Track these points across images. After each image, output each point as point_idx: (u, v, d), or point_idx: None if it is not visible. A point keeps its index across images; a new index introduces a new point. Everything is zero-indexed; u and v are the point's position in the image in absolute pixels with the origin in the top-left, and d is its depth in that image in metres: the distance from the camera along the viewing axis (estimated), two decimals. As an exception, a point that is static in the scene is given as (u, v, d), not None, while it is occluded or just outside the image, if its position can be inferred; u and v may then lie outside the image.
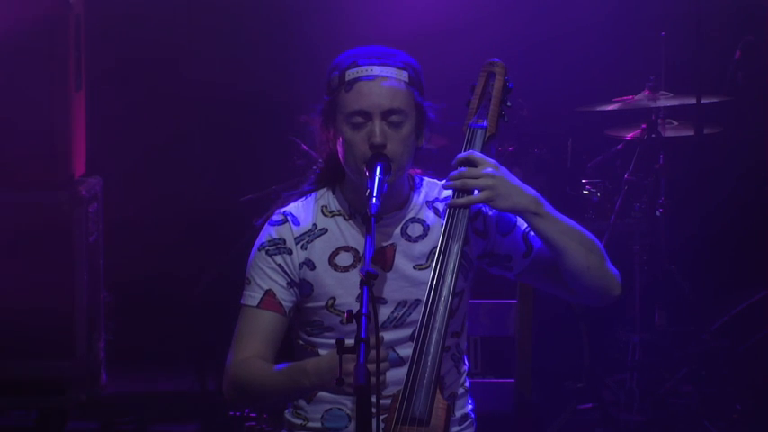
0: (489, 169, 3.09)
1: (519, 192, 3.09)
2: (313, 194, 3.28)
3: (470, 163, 3.11)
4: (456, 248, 3.10)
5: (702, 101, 5.83)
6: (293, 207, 3.26)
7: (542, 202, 3.12)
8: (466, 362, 3.33)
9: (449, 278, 3.08)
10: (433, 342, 3.04)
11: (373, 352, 2.85)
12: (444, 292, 3.07)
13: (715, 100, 6.06)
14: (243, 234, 5.18)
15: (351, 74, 3.14)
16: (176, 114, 6.83)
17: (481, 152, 3.15)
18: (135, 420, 5.96)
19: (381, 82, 3.12)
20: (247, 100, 6.94)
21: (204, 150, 6.84)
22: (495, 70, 3.23)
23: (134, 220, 6.71)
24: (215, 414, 5.82)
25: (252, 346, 3.18)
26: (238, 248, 5.14)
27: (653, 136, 6.03)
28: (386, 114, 3.11)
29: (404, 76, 3.14)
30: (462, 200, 3.11)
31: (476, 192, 3.11)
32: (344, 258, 3.20)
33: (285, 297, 3.21)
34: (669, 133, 6.14)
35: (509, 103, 3.23)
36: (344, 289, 3.18)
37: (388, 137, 3.10)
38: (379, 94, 3.11)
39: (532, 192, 3.12)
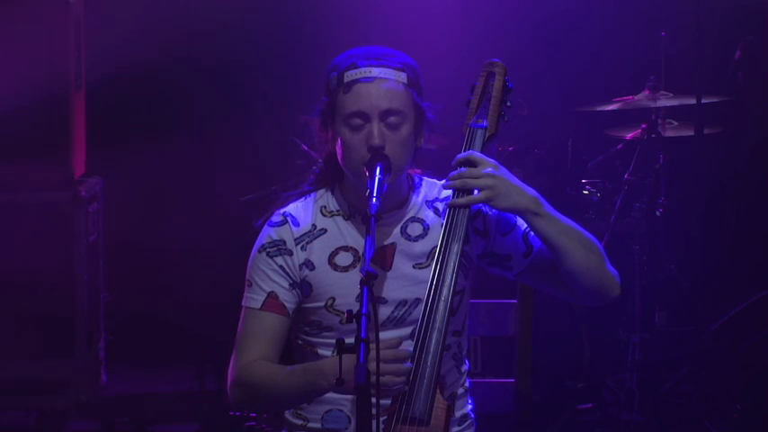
0: (489, 169, 3.09)
1: (519, 191, 3.09)
2: (312, 195, 3.27)
3: (470, 163, 3.11)
4: (456, 248, 3.10)
5: (702, 101, 5.83)
6: (292, 208, 3.26)
7: (542, 202, 3.12)
8: (466, 362, 3.33)
9: (449, 278, 3.08)
10: (434, 341, 3.04)
11: (383, 352, 2.91)
12: (444, 292, 3.08)
13: (715, 100, 6.05)
14: (243, 234, 5.17)
15: (349, 75, 3.13)
16: (176, 114, 6.83)
17: (481, 152, 3.15)
18: (135, 420, 5.96)
19: (380, 83, 3.11)
20: (247, 100, 6.94)
21: (204, 150, 6.83)
22: (494, 70, 3.23)
23: (134, 219, 6.71)
24: (215, 414, 5.82)
25: (257, 349, 3.17)
26: (238, 248, 5.13)
27: (653, 136, 6.03)
28: (384, 115, 3.10)
29: (402, 77, 3.14)
30: (462, 199, 3.11)
31: (476, 191, 3.11)
32: (344, 258, 3.20)
33: (288, 299, 3.20)
34: (669, 133, 6.13)
35: (509, 103, 3.23)
36: (344, 289, 3.17)
37: (386, 138, 3.10)
38: (378, 96, 3.10)
39: (532, 192, 3.12)
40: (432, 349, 3.03)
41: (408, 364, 3.01)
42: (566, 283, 3.17)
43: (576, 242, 3.12)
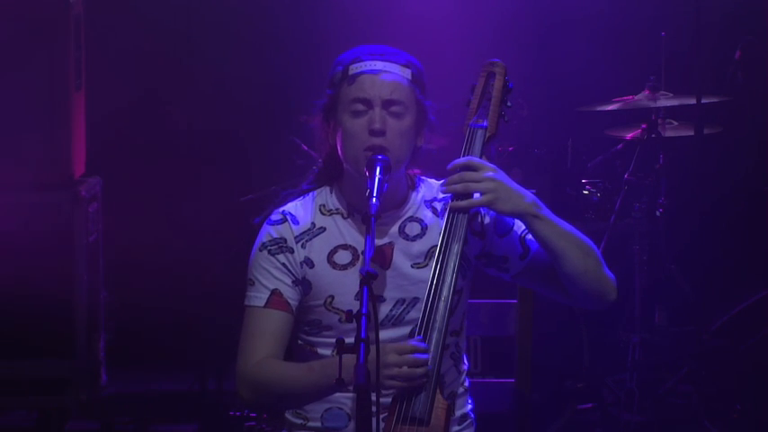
0: (490, 173, 3.11)
1: (519, 195, 3.11)
2: (311, 193, 3.29)
3: (470, 167, 3.13)
4: (456, 248, 3.12)
5: (702, 101, 5.83)
6: (291, 206, 3.27)
7: (540, 205, 3.14)
8: (465, 361, 3.34)
9: (449, 278, 3.10)
10: (434, 341, 3.06)
11: (402, 345, 2.97)
12: (444, 292, 3.09)
13: (715, 100, 6.06)
14: (243, 234, 5.18)
15: (354, 68, 3.16)
16: (176, 114, 6.83)
17: (481, 152, 3.17)
18: (135, 420, 5.96)
19: (384, 75, 3.15)
20: (248, 100, 6.94)
21: (204, 150, 6.83)
22: (495, 70, 3.25)
23: (134, 220, 6.71)
24: (215, 414, 5.82)
25: (265, 347, 3.18)
26: (238, 248, 5.14)
27: (653, 136, 6.03)
28: (387, 104, 3.13)
29: (407, 73, 3.17)
30: (464, 202, 3.12)
31: (475, 195, 3.12)
32: (343, 257, 3.21)
33: (291, 296, 3.21)
34: (669, 133, 6.14)
35: (509, 104, 3.25)
36: (343, 287, 3.19)
37: (387, 125, 3.12)
38: (382, 86, 3.13)
39: (531, 195, 3.14)
40: (432, 349, 3.04)
41: (428, 355, 3.02)
42: (563, 286, 3.19)
43: (573, 245, 3.14)
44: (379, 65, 3.16)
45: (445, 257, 3.11)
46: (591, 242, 3.18)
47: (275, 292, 3.20)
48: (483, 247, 3.26)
